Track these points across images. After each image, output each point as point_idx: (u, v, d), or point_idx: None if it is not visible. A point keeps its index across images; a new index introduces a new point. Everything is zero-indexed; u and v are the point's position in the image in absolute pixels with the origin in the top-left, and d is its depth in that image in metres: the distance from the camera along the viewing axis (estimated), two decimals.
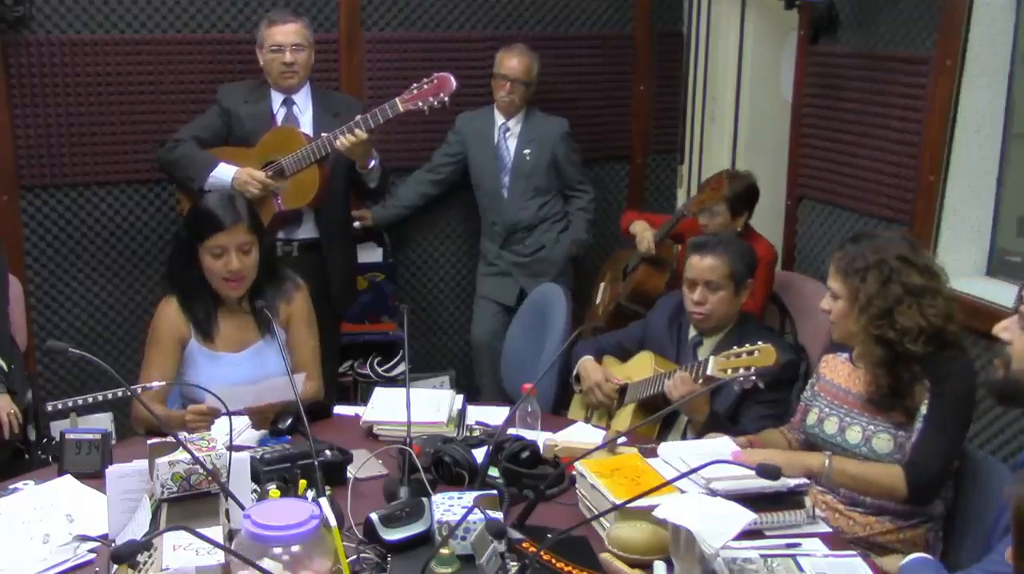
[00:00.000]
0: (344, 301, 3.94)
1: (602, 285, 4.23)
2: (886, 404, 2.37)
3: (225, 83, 3.79)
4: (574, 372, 3.16)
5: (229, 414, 2.10)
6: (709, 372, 2.62)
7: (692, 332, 3.02)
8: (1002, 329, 1.91)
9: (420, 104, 3.49)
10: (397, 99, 3.50)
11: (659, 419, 2.82)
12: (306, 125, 3.69)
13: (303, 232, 3.72)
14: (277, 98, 3.70)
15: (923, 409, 2.33)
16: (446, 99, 3.49)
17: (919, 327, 2.30)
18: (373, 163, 3.65)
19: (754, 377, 2.50)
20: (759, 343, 2.53)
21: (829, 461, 2.35)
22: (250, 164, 3.59)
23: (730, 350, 2.59)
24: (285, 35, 3.60)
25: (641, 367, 3.03)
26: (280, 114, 3.70)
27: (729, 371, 2.54)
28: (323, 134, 3.51)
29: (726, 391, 2.76)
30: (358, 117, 3.48)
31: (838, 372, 2.54)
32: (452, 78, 3.48)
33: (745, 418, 2.78)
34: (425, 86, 3.48)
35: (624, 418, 2.96)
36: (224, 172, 3.54)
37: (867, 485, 2.35)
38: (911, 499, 2.32)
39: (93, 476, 2.31)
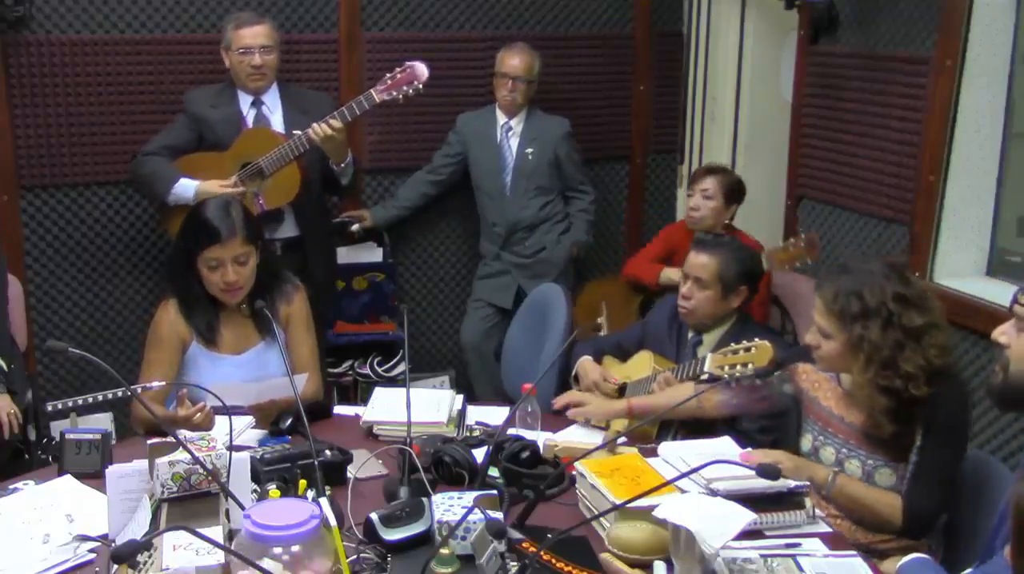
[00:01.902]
0: (327, 299, 3.93)
1: (601, 319, 4.17)
2: (887, 443, 2.33)
3: (191, 89, 3.77)
4: (573, 372, 3.17)
5: (229, 413, 2.10)
6: (707, 369, 2.62)
7: (692, 331, 3.03)
8: (1000, 333, 1.91)
9: (395, 93, 3.52)
10: (372, 90, 3.53)
11: (658, 419, 2.82)
12: (277, 124, 3.69)
13: (285, 231, 3.73)
14: (245, 100, 3.69)
15: (918, 440, 2.29)
16: (420, 87, 3.53)
17: (922, 370, 2.23)
18: (347, 160, 3.65)
19: (751, 374, 2.50)
20: (756, 340, 2.53)
21: (834, 478, 2.33)
22: (225, 168, 3.58)
23: (727, 347, 2.60)
24: (254, 37, 3.59)
25: (640, 366, 3.03)
26: (250, 116, 3.69)
27: (726, 368, 2.54)
28: (296, 132, 3.51)
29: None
30: (335, 111, 3.49)
31: (825, 392, 2.48)
32: (423, 65, 3.53)
33: (744, 418, 2.78)
34: (398, 75, 3.54)
35: (617, 427, 2.96)
36: (185, 187, 3.52)
37: (864, 511, 2.32)
38: (905, 532, 2.31)
39: (93, 476, 2.31)
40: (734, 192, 3.79)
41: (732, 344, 2.59)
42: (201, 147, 3.67)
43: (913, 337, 2.25)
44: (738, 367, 2.52)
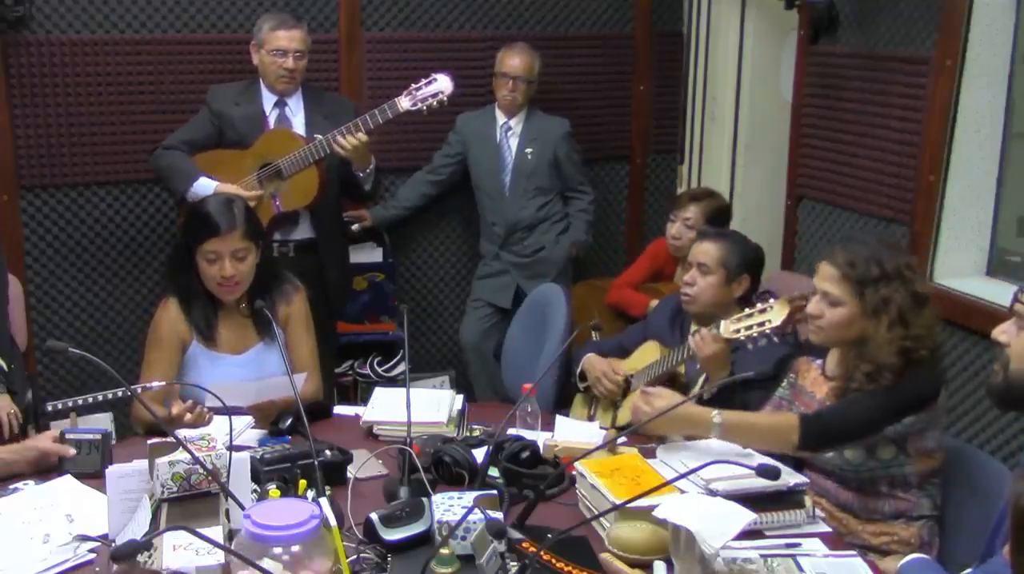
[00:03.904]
0: (341, 300, 3.95)
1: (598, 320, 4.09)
2: None
3: (215, 84, 3.78)
4: (578, 369, 3.17)
5: (229, 413, 2.10)
6: (722, 334, 2.63)
7: (693, 327, 3.02)
8: (1000, 332, 1.91)
9: (419, 105, 3.51)
10: (396, 100, 3.52)
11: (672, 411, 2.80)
12: (298, 126, 3.69)
13: (299, 233, 3.72)
14: (269, 99, 3.70)
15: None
16: (445, 99, 3.52)
17: (929, 335, 2.30)
18: (371, 166, 3.66)
19: (768, 333, 2.51)
20: (771, 300, 2.53)
21: (719, 416, 2.31)
22: (246, 166, 3.59)
23: (741, 313, 2.61)
24: (290, 41, 3.60)
25: (646, 355, 3.04)
26: (272, 116, 3.70)
27: (743, 331, 2.55)
28: (318, 136, 3.51)
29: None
30: (357, 119, 3.49)
31: (811, 379, 2.51)
32: (450, 79, 3.51)
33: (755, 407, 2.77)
34: (424, 86, 3.51)
35: (631, 406, 2.95)
36: (204, 186, 3.52)
37: (760, 435, 2.32)
38: (801, 446, 2.30)
39: (93, 476, 2.31)
40: (717, 217, 3.78)
41: (747, 310, 2.60)
42: (221, 143, 3.67)
43: (921, 303, 2.32)
44: (755, 327, 2.52)
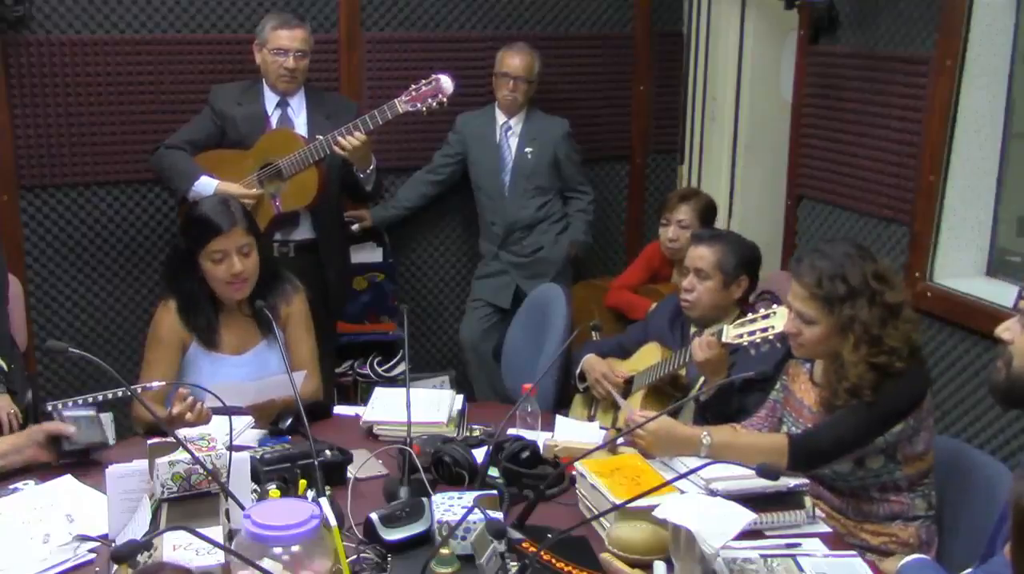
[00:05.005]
0: (340, 300, 3.96)
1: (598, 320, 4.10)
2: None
3: (216, 84, 3.78)
4: (577, 371, 3.17)
5: (229, 412, 2.10)
6: (724, 340, 2.62)
7: (693, 329, 3.02)
8: (1003, 330, 1.90)
9: (419, 105, 3.51)
10: (396, 100, 3.52)
11: (675, 410, 2.80)
12: (300, 127, 3.69)
13: (300, 233, 3.73)
14: (271, 99, 3.70)
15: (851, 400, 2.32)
16: (444, 100, 3.52)
17: (904, 343, 2.28)
18: (372, 167, 3.66)
19: (771, 338, 2.50)
20: (773, 306, 2.53)
21: (708, 437, 2.32)
22: (247, 166, 3.59)
23: (744, 318, 2.60)
24: (292, 40, 3.60)
25: (647, 356, 3.04)
26: (275, 116, 3.70)
27: (745, 336, 2.54)
28: (319, 136, 3.51)
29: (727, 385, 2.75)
30: (357, 119, 3.49)
31: (800, 385, 2.51)
32: (450, 79, 3.51)
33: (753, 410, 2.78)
34: (424, 87, 3.51)
35: (633, 406, 2.95)
36: (206, 185, 3.53)
37: (746, 458, 2.25)
38: (791, 467, 2.28)
39: (99, 447, 2.37)
40: (707, 214, 3.82)
41: (749, 315, 2.60)
42: (223, 143, 3.68)
43: (893, 313, 2.30)
44: (757, 333, 2.52)
